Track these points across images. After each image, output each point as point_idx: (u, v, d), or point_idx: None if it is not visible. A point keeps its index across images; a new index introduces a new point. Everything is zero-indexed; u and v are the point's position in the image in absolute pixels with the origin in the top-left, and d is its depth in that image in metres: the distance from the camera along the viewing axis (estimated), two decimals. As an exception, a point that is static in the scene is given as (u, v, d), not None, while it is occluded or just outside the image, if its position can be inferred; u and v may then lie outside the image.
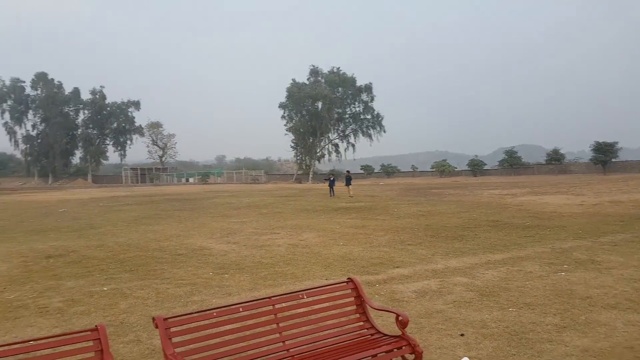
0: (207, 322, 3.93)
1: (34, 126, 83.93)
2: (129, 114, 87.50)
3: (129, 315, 6.41)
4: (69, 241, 13.17)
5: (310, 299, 4.44)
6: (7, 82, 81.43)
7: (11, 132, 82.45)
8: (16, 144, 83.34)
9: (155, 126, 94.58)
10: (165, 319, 3.75)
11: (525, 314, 6.01)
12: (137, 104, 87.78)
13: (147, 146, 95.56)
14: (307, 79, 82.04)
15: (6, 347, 3.43)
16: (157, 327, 3.68)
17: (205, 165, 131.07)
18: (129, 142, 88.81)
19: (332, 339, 4.26)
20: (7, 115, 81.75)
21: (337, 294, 4.62)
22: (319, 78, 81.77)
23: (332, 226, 15.40)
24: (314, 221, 17.02)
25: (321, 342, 4.20)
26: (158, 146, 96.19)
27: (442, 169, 78.03)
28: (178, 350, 3.66)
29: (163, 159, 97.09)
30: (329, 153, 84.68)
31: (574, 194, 25.02)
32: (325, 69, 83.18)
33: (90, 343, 3.55)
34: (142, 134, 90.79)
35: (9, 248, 12.17)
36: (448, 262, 9.41)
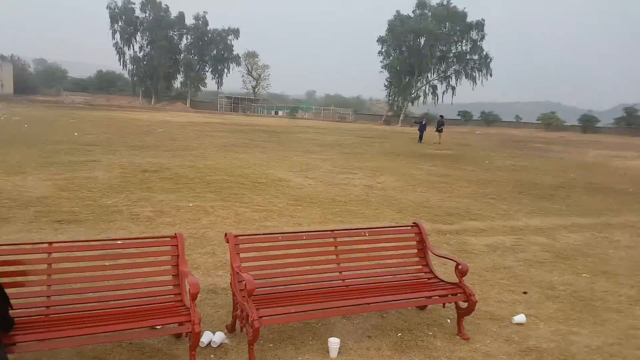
0: (272, 244, 4.22)
1: (141, 48, 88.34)
2: (228, 41, 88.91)
3: (209, 231, 6.94)
4: (164, 159, 14.20)
5: (372, 237, 4.56)
6: (119, 3, 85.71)
7: (120, 53, 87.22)
8: (124, 64, 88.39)
9: (252, 56, 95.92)
10: (236, 236, 4.05)
11: (599, 282, 5.75)
12: (236, 32, 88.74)
13: (242, 76, 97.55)
14: (413, 12, 74.69)
15: (98, 242, 3.91)
16: (227, 242, 4.00)
17: (295, 99, 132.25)
18: (226, 70, 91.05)
19: (388, 277, 4.39)
20: (117, 36, 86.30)
21: (399, 236, 4.69)
22: (426, 11, 73.77)
23: (413, 172, 15.24)
24: (395, 165, 16.92)
25: (377, 277, 4.35)
26: (252, 77, 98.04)
27: (549, 122, 70.02)
28: (244, 265, 3.96)
29: (256, 89, 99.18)
30: (425, 95, 77.10)
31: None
32: (434, 1, 74.30)
33: (169, 248, 3.94)
34: (238, 63, 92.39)
35: (111, 160, 13.38)
36: (530, 220, 9.09)
